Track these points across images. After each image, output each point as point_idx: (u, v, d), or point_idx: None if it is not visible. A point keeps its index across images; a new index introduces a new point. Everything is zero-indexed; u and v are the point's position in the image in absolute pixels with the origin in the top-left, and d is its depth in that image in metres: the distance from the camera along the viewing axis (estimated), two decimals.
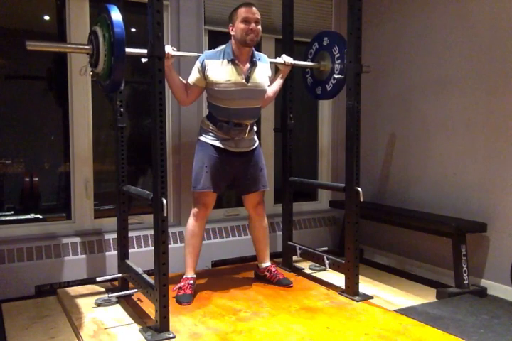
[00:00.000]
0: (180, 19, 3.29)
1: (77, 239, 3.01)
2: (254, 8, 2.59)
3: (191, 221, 2.72)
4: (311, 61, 3.12)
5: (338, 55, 2.87)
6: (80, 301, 2.63)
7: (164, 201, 2.12)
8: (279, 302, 2.62)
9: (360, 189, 2.65)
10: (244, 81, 2.61)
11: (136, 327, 2.29)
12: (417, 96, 3.45)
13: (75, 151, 3.10)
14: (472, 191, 3.08)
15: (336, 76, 2.74)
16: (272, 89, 2.89)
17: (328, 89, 2.98)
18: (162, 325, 2.17)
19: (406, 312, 2.53)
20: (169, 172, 3.30)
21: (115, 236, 2.85)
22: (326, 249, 3.34)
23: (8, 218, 3.05)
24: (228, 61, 2.60)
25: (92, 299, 2.63)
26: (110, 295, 2.64)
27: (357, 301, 2.64)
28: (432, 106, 3.34)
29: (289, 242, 3.23)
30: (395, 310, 2.55)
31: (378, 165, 3.80)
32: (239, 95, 2.61)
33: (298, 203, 3.71)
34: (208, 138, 2.70)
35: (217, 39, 3.54)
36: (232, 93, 2.60)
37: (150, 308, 2.44)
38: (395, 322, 2.36)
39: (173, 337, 2.15)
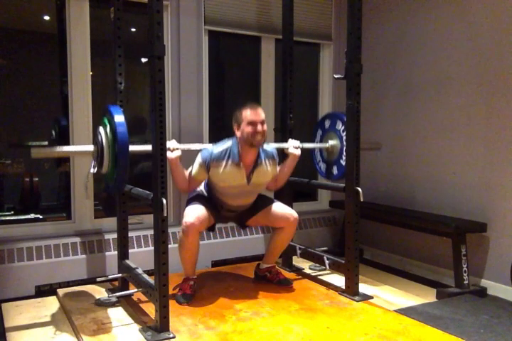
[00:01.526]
0: (180, 19, 3.29)
1: (77, 239, 3.01)
2: (259, 110, 2.57)
3: (182, 237, 2.54)
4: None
5: (343, 131, 2.85)
6: (80, 301, 2.63)
7: (164, 201, 2.12)
8: (279, 302, 2.62)
9: (360, 189, 2.65)
10: (245, 183, 2.63)
11: (136, 327, 2.29)
12: (417, 96, 3.45)
13: None
14: (472, 191, 3.08)
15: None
16: (281, 176, 2.86)
17: (338, 169, 2.95)
18: (162, 325, 2.17)
19: (406, 312, 2.53)
20: (169, 172, 3.29)
21: (115, 236, 2.85)
22: (326, 249, 3.34)
23: (8, 218, 3.05)
24: (233, 163, 2.58)
25: (92, 299, 2.63)
26: (110, 295, 2.64)
27: (357, 301, 2.64)
28: (432, 106, 3.34)
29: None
30: (395, 310, 2.55)
31: (378, 165, 3.80)
32: (237, 193, 2.67)
33: (298, 203, 3.71)
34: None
35: (217, 39, 3.55)
36: (232, 192, 2.66)
37: (150, 308, 2.44)
38: (395, 322, 2.37)
39: (173, 337, 2.15)
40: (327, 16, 3.96)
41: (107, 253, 3.05)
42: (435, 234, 3.11)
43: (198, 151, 2.64)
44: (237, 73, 3.93)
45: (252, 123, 2.52)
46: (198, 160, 2.59)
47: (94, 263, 3.01)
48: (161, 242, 2.15)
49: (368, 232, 3.75)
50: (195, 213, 2.55)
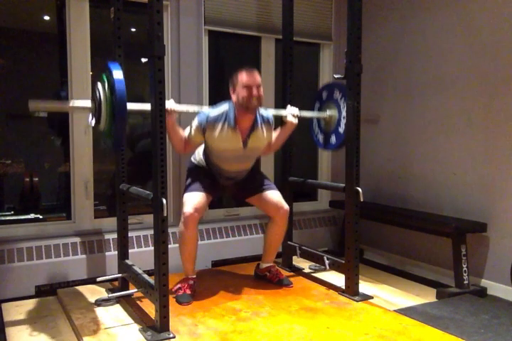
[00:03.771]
0: (180, 19, 3.29)
1: (77, 239, 3.01)
2: (255, 74, 2.54)
3: (182, 229, 2.57)
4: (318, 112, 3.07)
5: (343, 105, 2.82)
6: (79, 301, 2.63)
7: (164, 201, 2.12)
8: (279, 302, 2.62)
9: (360, 189, 2.65)
10: (242, 147, 2.62)
11: (136, 327, 2.29)
12: (417, 96, 3.45)
13: (75, 151, 3.10)
14: (472, 191, 3.08)
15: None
16: (276, 142, 2.86)
17: (336, 139, 2.92)
18: (162, 325, 2.17)
19: (406, 312, 2.53)
20: (169, 172, 3.30)
21: (115, 236, 2.85)
22: (326, 249, 3.34)
23: (8, 218, 3.05)
24: (229, 127, 2.56)
25: (92, 299, 2.63)
26: (110, 295, 2.64)
27: (357, 301, 2.63)
28: (432, 106, 3.34)
29: (289, 242, 3.23)
30: (395, 310, 2.55)
31: (378, 165, 3.80)
32: (234, 158, 2.66)
33: (298, 203, 3.71)
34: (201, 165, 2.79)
35: (217, 39, 3.55)
36: (228, 156, 2.65)
37: (150, 308, 2.44)
38: (395, 322, 2.36)
39: (173, 337, 2.15)
40: (327, 16, 3.96)
41: (107, 253, 3.05)
42: (435, 234, 3.11)
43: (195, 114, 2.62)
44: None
45: (248, 87, 2.50)
46: (195, 122, 2.59)
47: (94, 263, 3.01)
48: (161, 242, 2.15)
49: (367, 232, 3.75)
50: (193, 202, 2.57)
